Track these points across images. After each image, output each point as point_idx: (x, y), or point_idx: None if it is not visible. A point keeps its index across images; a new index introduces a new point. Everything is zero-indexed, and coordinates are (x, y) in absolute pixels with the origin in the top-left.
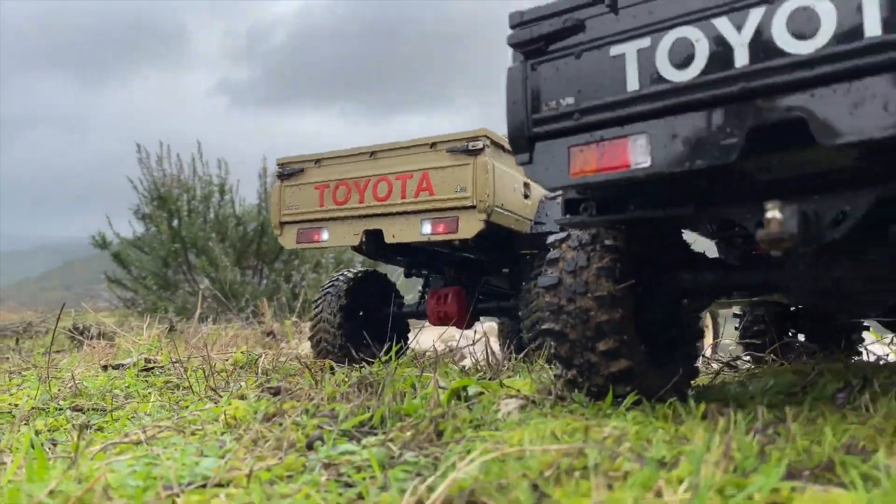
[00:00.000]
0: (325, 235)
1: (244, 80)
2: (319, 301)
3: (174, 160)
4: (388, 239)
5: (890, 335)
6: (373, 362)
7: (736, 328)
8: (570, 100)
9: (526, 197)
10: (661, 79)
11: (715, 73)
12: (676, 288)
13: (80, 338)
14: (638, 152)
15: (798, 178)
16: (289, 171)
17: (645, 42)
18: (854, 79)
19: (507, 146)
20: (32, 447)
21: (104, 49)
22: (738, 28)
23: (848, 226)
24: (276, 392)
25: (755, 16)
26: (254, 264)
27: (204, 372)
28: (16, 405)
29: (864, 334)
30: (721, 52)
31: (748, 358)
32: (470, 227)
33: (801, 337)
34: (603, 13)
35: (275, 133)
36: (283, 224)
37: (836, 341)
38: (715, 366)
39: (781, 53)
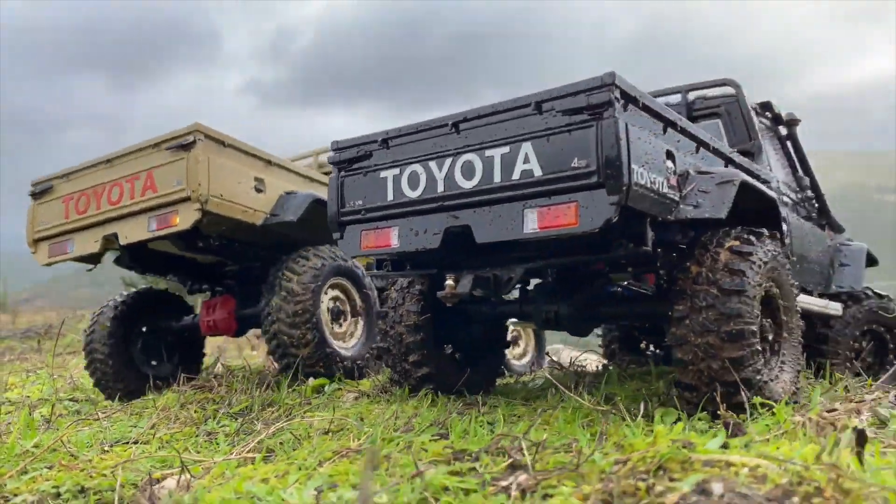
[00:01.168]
0: (71, 247)
1: (272, 81)
2: (89, 330)
3: None
4: (122, 240)
5: None
6: (162, 384)
7: (599, 345)
8: (360, 202)
9: (259, 191)
10: (403, 194)
11: (429, 194)
12: (466, 316)
13: None
14: (393, 237)
15: (484, 256)
16: (40, 189)
17: (396, 171)
18: (493, 204)
19: (234, 142)
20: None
21: (138, 51)
22: (440, 168)
23: (513, 284)
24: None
25: (447, 163)
26: None
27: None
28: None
29: None
30: (432, 181)
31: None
32: (187, 217)
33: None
34: (380, 148)
35: (302, 133)
36: (36, 241)
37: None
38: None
39: (458, 186)
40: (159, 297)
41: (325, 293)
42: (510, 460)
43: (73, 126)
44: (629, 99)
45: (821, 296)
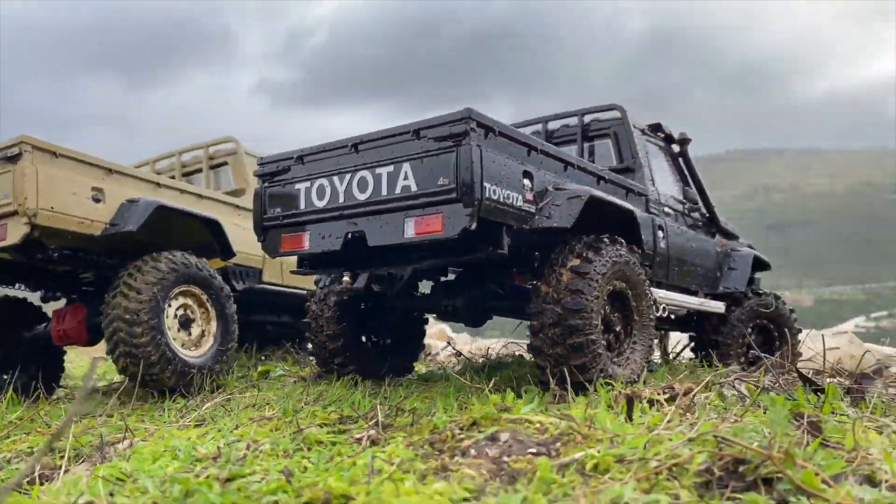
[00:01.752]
0: None
1: (285, 80)
2: None
3: None
4: None
5: None
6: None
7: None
8: (279, 210)
9: (97, 201)
10: (313, 204)
11: (332, 204)
12: (383, 312)
13: None
14: (305, 241)
15: (383, 256)
16: None
17: (308, 184)
18: (382, 213)
19: (67, 152)
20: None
21: (153, 52)
22: (341, 182)
23: (404, 281)
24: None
25: (347, 178)
26: None
27: None
28: None
29: None
30: (335, 193)
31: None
32: (16, 232)
33: None
34: (297, 164)
35: (314, 132)
36: None
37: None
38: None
39: (355, 198)
40: (10, 306)
41: (174, 299)
42: (374, 420)
43: (88, 125)
44: (487, 129)
45: (707, 295)
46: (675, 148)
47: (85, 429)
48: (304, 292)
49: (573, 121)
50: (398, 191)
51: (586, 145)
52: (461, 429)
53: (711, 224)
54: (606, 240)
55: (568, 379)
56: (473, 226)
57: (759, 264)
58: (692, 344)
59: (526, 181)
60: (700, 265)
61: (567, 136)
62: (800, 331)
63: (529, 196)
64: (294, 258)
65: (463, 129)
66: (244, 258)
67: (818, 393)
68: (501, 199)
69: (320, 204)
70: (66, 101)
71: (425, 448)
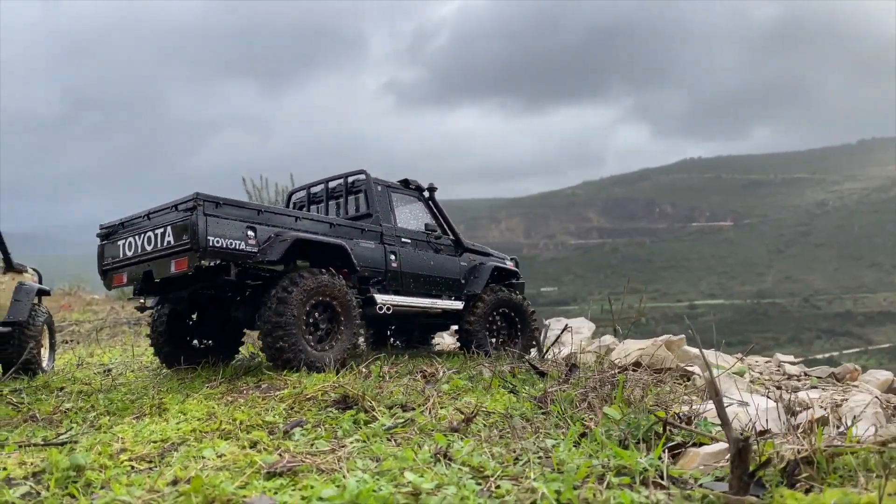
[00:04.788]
0: None
1: (409, 80)
2: None
3: (272, 188)
4: None
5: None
6: None
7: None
8: (111, 258)
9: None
10: (126, 254)
11: (135, 253)
12: (204, 321)
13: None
14: (125, 278)
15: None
16: None
17: (124, 240)
18: (159, 258)
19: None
20: None
21: (289, 56)
22: (139, 238)
23: (186, 300)
24: None
25: (142, 236)
26: None
27: None
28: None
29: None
30: (135, 246)
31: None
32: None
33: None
34: (120, 228)
35: (435, 131)
36: None
37: (421, 339)
38: None
39: (146, 249)
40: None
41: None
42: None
43: (226, 127)
44: (215, 202)
45: (452, 298)
46: (426, 194)
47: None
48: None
49: (338, 181)
50: (165, 244)
51: (350, 198)
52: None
53: (458, 247)
54: (305, 273)
55: (276, 358)
56: (204, 263)
57: (505, 273)
58: (457, 335)
59: (250, 232)
60: (440, 277)
61: (340, 191)
62: (535, 320)
63: (253, 242)
64: None
65: (192, 206)
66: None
67: (542, 375)
68: (225, 247)
69: (130, 254)
70: (208, 104)
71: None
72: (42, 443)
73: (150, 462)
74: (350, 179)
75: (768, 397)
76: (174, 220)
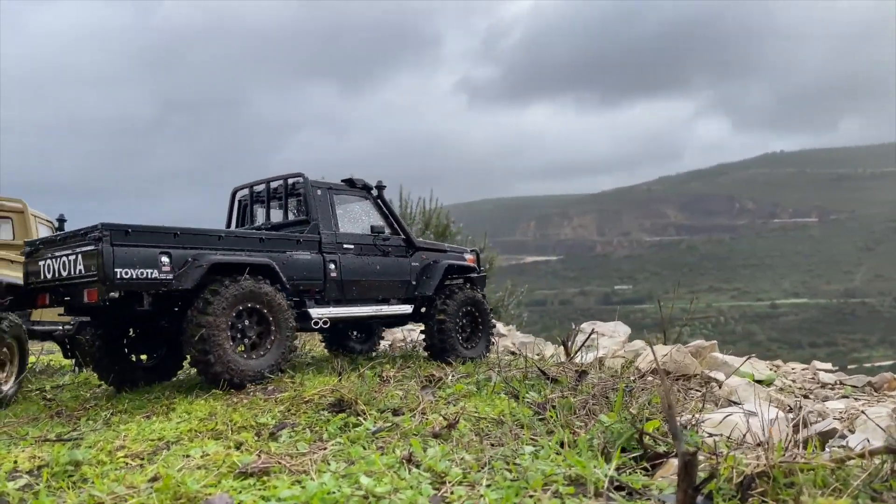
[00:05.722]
0: None
1: (482, 79)
2: None
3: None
4: None
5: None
6: None
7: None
8: (33, 278)
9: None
10: (46, 276)
11: (50, 276)
12: (140, 340)
13: None
14: (48, 300)
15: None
16: None
17: (44, 262)
18: (72, 286)
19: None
20: None
21: (366, 56)
22: (54, 262)
23: (114, 324)
24: None
25: (58, 261)
26: None
27: None
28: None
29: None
30: (51, 270)
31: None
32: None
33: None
34: (42, 247)
35: (507, 128)
36: None
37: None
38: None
39: (62, 274)
40: None
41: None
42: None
43: (304, 127)
44: (124, 230)
45: (401, 301)
46: (374, 192)
47: None
48: None
49: (278, 182)
50: (77, 272)
51: (290, 201)
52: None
53: (409, 246)
54: (227, 281)
55: (205, 372)
56: (114, 295)
57: (460, 269)
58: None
59: (164, 258)
60: (387, 281)
61: (280, 193)
62: (492, 317)
63: (167, 269)
64: None
65: (98, 236)
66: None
67: (555, 381)
68: (135, 277)
69: (49, 276)
70: (287, 105)
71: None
72: (54, 439)
73: (143, 459)
74: (290, 182)
75: (781, 408)
76: (83, 248)
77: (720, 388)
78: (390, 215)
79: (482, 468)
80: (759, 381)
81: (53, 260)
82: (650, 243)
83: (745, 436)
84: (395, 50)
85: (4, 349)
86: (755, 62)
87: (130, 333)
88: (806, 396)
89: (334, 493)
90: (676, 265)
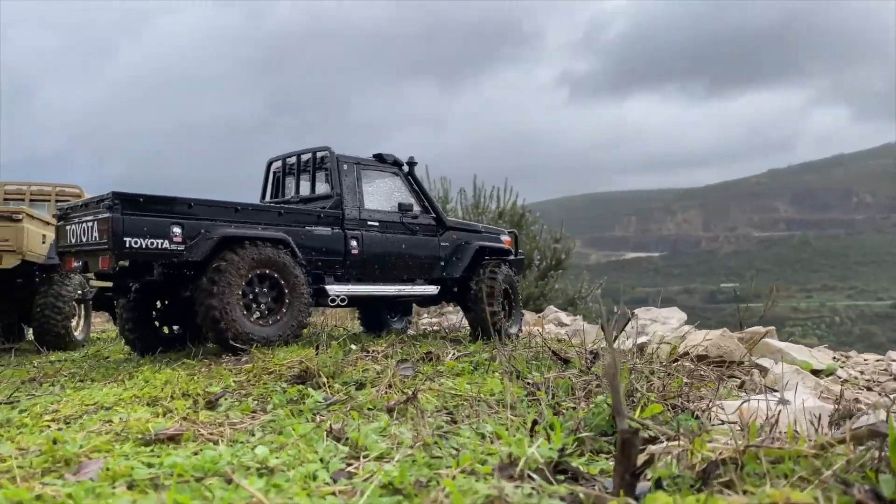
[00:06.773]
0: None
1: (583, 72)
2: None
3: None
4: None
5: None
6: None
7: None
8: (62, 242)
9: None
10: (71, 240)
11: (76, 242)
12: (165, 307)
13: None
14: (73, 264)
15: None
16: None
17: (71, 227)
18: (90, 253)
19: None
20: None
21: (467, 54)
22: (78, 226)
23: (132, 289)
24: None
25: (81, 226)
26: None
27: None
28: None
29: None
30: (77, 235)
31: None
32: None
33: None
34: (70, 211)
35: (607, 121)
36: None
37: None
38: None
39: (83, 240)
40: None
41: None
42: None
43: (403, 126)
44: (136, 199)
45: (428, 282)
46: (405, 168)
47: None
48: None
49: (307, 155)
50: (93, 239)
51: (318, 174)
52: None
53: (440, 226)
54: (247, 244)
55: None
56: (123, 263)
57: (494, 251)
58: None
59: (176, 229)
60: (412, 260)
61: (309, 166)
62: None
63: (178, 239)
64: None
65: (111, 204)
66: None
67: (566, 362)
68: (144, 247)
69: (73, 241)
70: (389, 105)
71: None
72: None
73: (68, 423)
74: (318, 155)
75: (831, 398)
76: (97, 216)
77: (765, 376)
78: (420, 193)
79: (414, 444)
80: (816, 372)
81: (77, 226)
82: (759, 239)
83: (747, 422)
84: (494, 46)
85: (73, 304)
86: (880, 46)
87: (158, 305)
88: (869, 388)
89: (231, 461)
90: (787, 262)
